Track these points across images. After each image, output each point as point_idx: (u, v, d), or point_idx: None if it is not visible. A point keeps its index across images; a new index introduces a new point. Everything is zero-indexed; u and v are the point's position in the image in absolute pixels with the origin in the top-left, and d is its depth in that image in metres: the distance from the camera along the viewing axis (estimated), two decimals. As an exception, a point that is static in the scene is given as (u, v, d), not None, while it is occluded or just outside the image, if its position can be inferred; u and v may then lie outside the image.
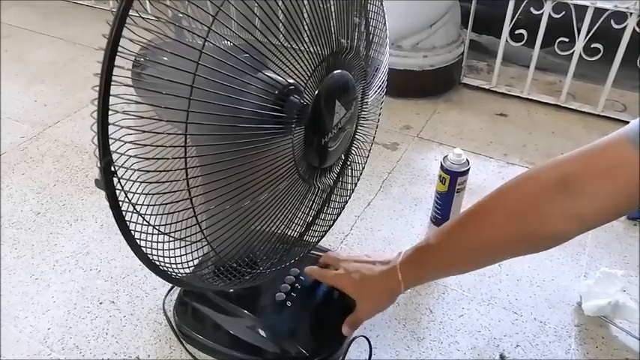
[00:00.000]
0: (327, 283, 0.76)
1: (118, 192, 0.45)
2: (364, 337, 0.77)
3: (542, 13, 1.30)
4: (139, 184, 0.45)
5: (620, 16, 1.22)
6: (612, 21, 1.22)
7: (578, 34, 1.28)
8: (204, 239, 0.54)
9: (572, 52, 1.31)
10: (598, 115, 1.36)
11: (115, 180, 0.44)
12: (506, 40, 1.38)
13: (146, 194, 0.46)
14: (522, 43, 1.36)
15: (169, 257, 0.54)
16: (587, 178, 0.52)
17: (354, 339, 0.76)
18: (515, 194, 0.58)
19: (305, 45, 0.51)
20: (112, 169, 0.43)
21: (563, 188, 0.53)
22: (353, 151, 0.74)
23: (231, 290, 0.76)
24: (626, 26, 1.22)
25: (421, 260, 0.67)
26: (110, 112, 0.41)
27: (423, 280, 0.72)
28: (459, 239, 0.63)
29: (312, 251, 0.79)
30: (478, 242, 0.61)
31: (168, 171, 0.46)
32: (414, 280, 0.69)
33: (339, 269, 0.74)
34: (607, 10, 1.22)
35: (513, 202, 0.58)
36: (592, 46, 1.27)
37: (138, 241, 0.49)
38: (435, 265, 0.67)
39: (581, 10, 1.25)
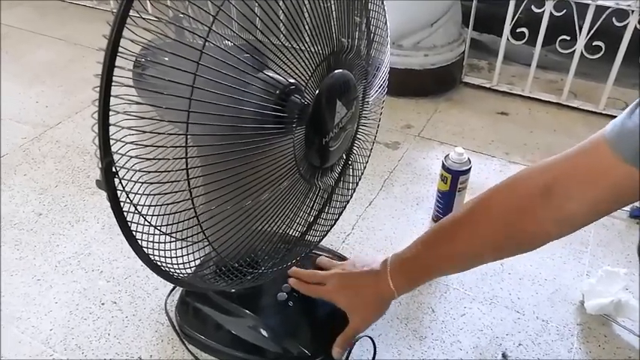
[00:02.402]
0: (315, 297, 0.75)
1: (119, 193, 0.45)
2: (368, 337, 0.77)
3: (543, 11, 1.29)
4: (140, 184, 0.45)
5: (622, 14, 1.21)
6: (614, 19, 1.21)
7: (580, 32, 1.28)
8: (205, 239, 0.54)
9: (574, 51, 1.31)
10: (600, 114, 1.35)
11: (117, 181, 0.44)
12: (507, 39, 1.38)
13: (147, 195, 0.46)
14: (523, 41, 1.35)
15: (171, 257, 0.54)
16: (570, 184, 0.53)
17: (356, 341, 0.76)
18: (501, 203, 0.60)
19: (306, 44, 0.51)
20: (113, 169, 0.43)
21: (548, 196, 0.54)
22: (354, 151, 0.74)
23: (233, 290, 0.76)
24: (627, 24, 1.22)
25: (411, 270, 0.68)
26: (111, 113, 0.41)
27: (416, 287, 0.74)
28: (447, 251, 0.65)
29: (313, 251, 0.79)
30: (466, 253, 0.64)
31: (169, 171, 0.46)
32: (406, 287, 0.70)
33: (328, 284, 0.73)
34: (608, 7, 1.22)
35: (500, 213, 0.60)
36: (593, 44, 1.27)
37: (139, 241, 0.49)
38: (425, 274, 0.69)
39: (583, 8, 1.25)
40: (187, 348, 0.78)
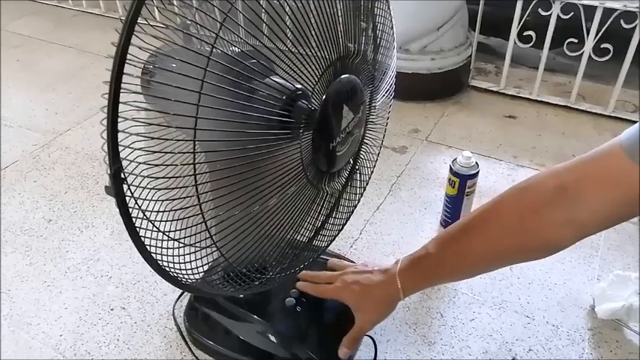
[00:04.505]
0: (324, 297, 0.75)
1: (127, 198, 0.45)
2: (369, 337, 0.77)
3: (550, 14, 1.29)
4: (148, 190, 0.45)
5: (630, 16, 1.21)
6: (622, 21, 1.21)
7: (588, 34, 1.27)
8: (213, 245, 0.54)
9: (582, 53, 1.30)
10: (609, 116, 1.34)
11: (125, 187, 0.44)
12: (515, 42, 1.37)
13: (156, 201, 0.46)
14: (531, 44, 1.35)
15: (179, 263, 0.54)
16: (585, 186, 0.53)
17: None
18: (513, 204, 0.59)
19: (312, 50, 0.52)
20: (122, 175, 0.43)
21: (562, 196, 0.54)
22: (361, 155, 0.74)
23: (241, 296, 0.76)
24: (636, 26, 1.21)
25: (420, 269, 0.68)
26: (120, 120, 0.41)
27: (422, 288, 0.73)
28: (458, 250, 0.64)
29: (321, 256, 0.78)
30: (477, 252, 0.62)
31: (177, 177, 0.46)
32: (412, 288, 0.69)
33: (337, 282, 0.73)
34: (616, 9, 1.21)
35: (512, 212, 0.59)
36: (602, 46, 1.26)
37: (148, 247, 0.50)
38: (433, 273, 0.68)
39: (590, 10, 1.24)
40: (194, 354, 0.78)
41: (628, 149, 0.49)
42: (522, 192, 0.59)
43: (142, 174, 0.44)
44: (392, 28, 0.69)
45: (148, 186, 0.45)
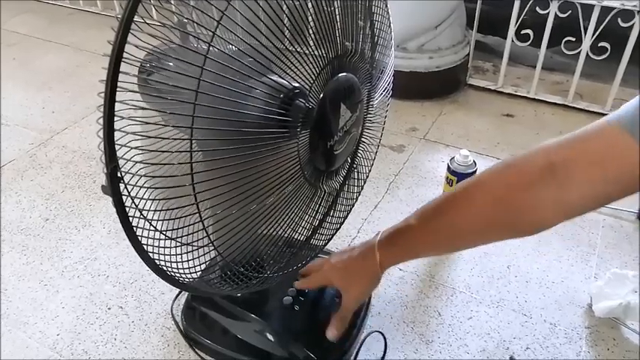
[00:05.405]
0: (316, 286, 0.75)
1: (124, 198, 0.45)
2: (379, 332, 0.77)
3: (548, 13, 1.29)
4: (145, 189, 0.45)
5: (627, 15, 1.21)
6: (619, 19, 1.21)
7: (585, 33, 1.27)
8: (210, 244, 0.54)
9: (579, 52, 1.30)
10: (606, 115, 1.34)
11: (122, 186, 0.44)
12: (512, 41, 1.37)
13: (153, 200, 0.46)
14: (528, 43, 1.35)
15: (176, 262, 0.54)
16: (575, 166, 0.51)
17: (365, 337, 0.76)
18: (500, 180, 0.57)
19: (310, 48, 0.51)
20: (119, 174, 0.43)
21: (551, 175, 0.52)
22: (359, 154, 0.74)
23: (239, 295, 0.76)
24: (633, 24, 1.21)
25: (400, 242, 0.66)
26: (116, 119, 0.41)
27: (402, 261, 0.71)
28: (440, 224, 0.62)
29: (319, 255, 0.78)
30: (460, 227, 0.60)
31: (174, 176, 0.46)
32: (392, 260, 0.68)
33: (324, 267, 0.74)
34: (614, 8, 1.21)
35: (498, 188, 0.56)
36: (599, 45, 1.26)
37: (145, 246, 0.50)
38: (414, 246, 0.66)
39: (588, 9, 1.25)
40: (197, 353, 0.78)
41: (627, 126, 0.48)
42: (509, 168, 0.57)
43: (138, 173, 0.44)
44: (390, 26, 0.69)
45: (145, 185, 0.45)
